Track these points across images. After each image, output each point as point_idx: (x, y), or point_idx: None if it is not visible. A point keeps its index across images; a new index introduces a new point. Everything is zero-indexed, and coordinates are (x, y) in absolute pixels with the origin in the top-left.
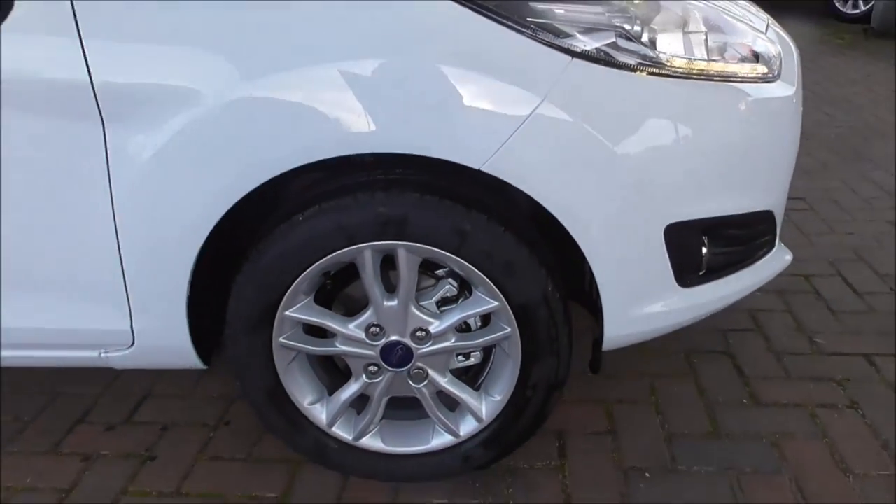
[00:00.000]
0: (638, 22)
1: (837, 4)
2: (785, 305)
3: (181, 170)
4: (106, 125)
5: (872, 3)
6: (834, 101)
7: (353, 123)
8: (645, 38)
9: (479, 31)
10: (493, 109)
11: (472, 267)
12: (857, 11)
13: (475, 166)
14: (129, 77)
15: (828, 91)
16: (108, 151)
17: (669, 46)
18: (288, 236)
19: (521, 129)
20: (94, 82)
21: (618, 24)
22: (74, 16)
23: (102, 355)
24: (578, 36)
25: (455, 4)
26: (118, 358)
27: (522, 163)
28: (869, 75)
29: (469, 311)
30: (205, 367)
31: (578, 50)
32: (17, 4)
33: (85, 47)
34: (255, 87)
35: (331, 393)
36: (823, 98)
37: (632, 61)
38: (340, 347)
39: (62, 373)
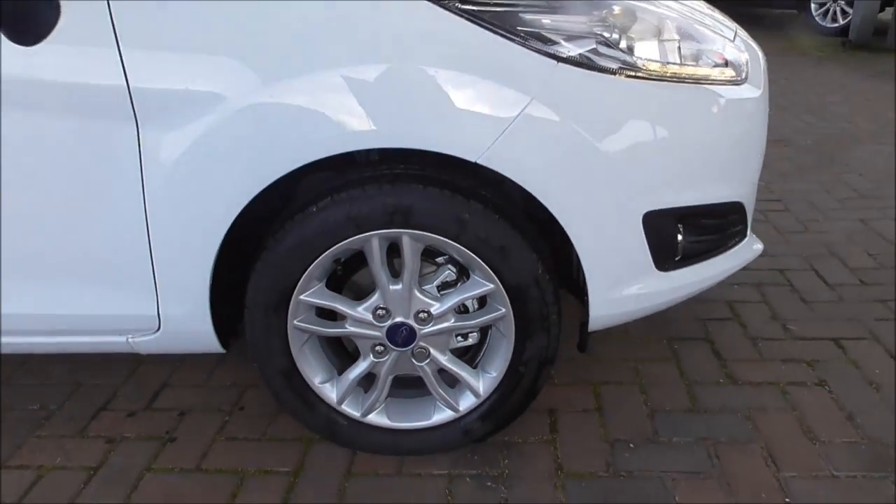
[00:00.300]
0: (616, 31)
1: (817, 18)
2: (761, 297)
3: (207, 166)
4: (140, 126)
5: (850, 17)
6: (812, 110)
7: (362, 122)
8: (623, 44)
9: (474, 39)
10: (487, 108)
11: (469, 252)
12: (836, 25)
13: (472, 159)
14: (161, 83)
15: (807, 100)
16: (142, 149)
17: (646, 52)
18: (303, 225)
19: (513, 126)
20: (130, 87)
21: (598, 33)
22: (114, 28)
23: (130, 340)
24: (563, 43)
25: (453, 16)
26: (144, 343)
27: (514, 156)
28: (845, 85)
29: (467, 293)
30: (223, 352)
31: (563, 55)
32: (62, 18)
33: (123, 56)
34: (274, 91)
35: (340, 373)
36: (802, 106)
37: (611, 65)
38: (350, 329)
39: (83, 364)
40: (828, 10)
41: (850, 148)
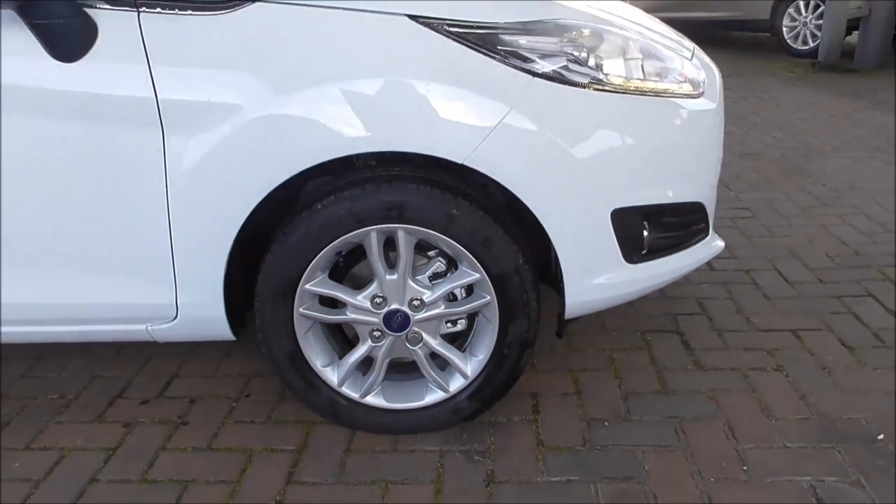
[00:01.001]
0: (585, 50)
1: (788, 41)
2: (727, 294)
3: (224, 168)
4: (165, 132)
5: (819, 40)
6: (781, 126)
7: (361, 129)
8: (592, 62)
9: (460, 57)
10: (471, 116)
11: (457, 244)
12: (806, 47)
13: (457, 161)
14: (186, 94)
15: (776, 117)
16: (166, 153)
17: (612, 69)
18: (310, 220)
19: (494, 133)
20: (158, 99)
21: (569, 52)
22: (144, 47)
23: (149, 329)
24: (538, 60)
25: (442, 37)
26: (162, 331)
27: (496, 159)
28: (813, 103)
29: (456, 282)
30: (234, 339)
31: (538, 71)
32: (99, 38)
33: (152, 72)
34: (283, 102)
35: (341, 357)
36: (772, 123)
37: (581, 80)
38: (350, 315)
39: (99, 357)
40: (798, 34)
41: (814, 160)
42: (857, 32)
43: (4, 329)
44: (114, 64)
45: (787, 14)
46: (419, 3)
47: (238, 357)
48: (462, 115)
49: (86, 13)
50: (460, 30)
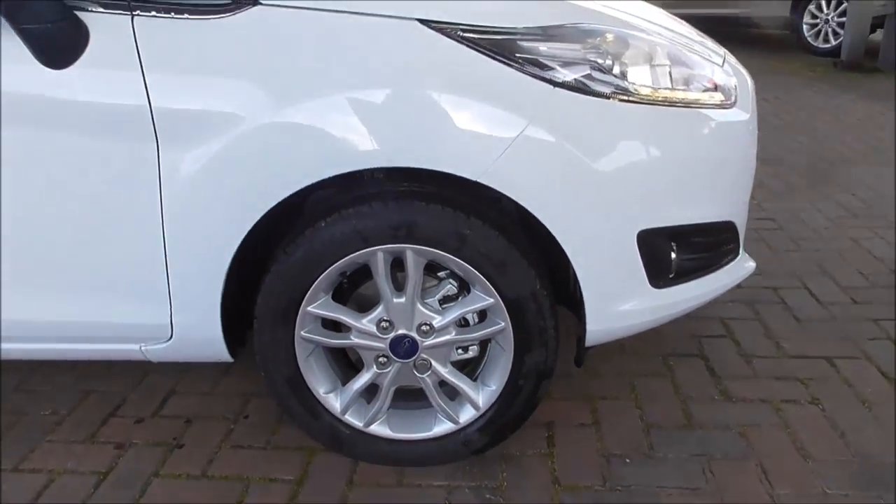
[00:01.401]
0: (609, 57)
1: (809, 39)
2: (754, 314)
3: (222, 183)
4: (160, 144)
5: (841, 38)
6: (804, 130)
7: (369, 142)
8: (616, 70)
9: (475, 65)
10: (487, 130)
11: (470, 267)
12: (828, 45)
13: (472, 178)
14: (181, 104)
15: (798, 120)
16: (161, 166)
17: (638, 77)
18: (312, 239)
19: (512, 147)
20: (152, 108)
21: (592, 59)
22: (138, 52)
23: (143, 348)
24: (559, 68)
25: (456, 43)
26: (156, 351)
27: (513, 175)
28: (837, 106)
29: (468, 307)
30: (231, 360)
31: (559, 80)
32: (91, 44)
33: (146, 79)
34: (286, 113)
35: (344, 383)
36: (794, 126)
37: (605, 90)
38: (355, 340)
39: (93, 372)
40: (819, 31)
41: (840, 167)
42: (881, 30)
43: None
44: (106, 70)
45: (807, 11)
46: (431, 6)
47: (237, 374)
48: (477, 128)
49: (76, 17)
50: (475, 35)
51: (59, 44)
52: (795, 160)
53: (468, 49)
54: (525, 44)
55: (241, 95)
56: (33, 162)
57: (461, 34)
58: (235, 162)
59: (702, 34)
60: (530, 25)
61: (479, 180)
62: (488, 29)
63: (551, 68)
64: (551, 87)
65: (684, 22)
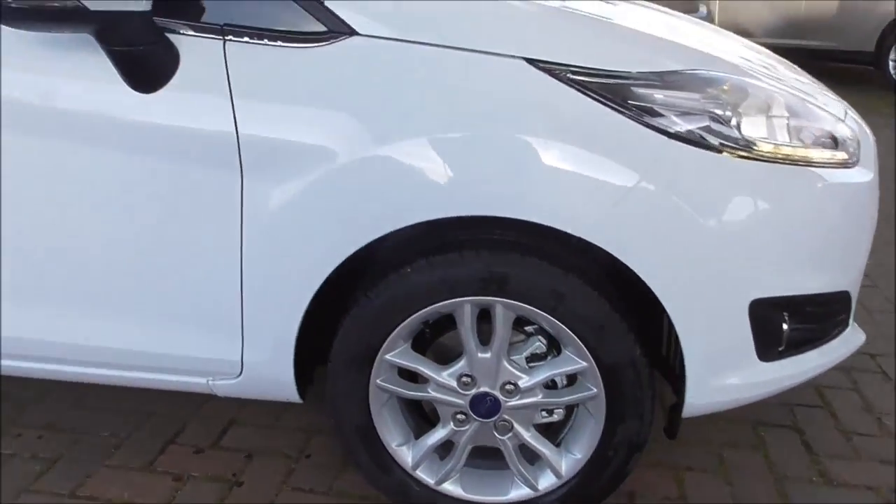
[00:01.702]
0: (728, 107)
1: (893, 74)
2: (851, 383)
3: (309, 219)
4: (244, 174)
5: None
6: (890, 175)
7: (469, 188)
8: (734, 122)
9: (584, 110)
10: (596, 181)
11: (564, 327)
12: None
13: (576, 233)
14: (270, 133)
15: (887, 164)
16: (244, 196)
17: (756, 131)
18: (397, 285)
19: (621, 202)
20: (239, 136)
21: (709, 109)
22: (228, 79)
23: (210, 382)
24: (675, 118)
25: (563, 86)
26: (224, 386)
27: (620, 233)
28: None
29: (558, 369)
30: (300, 401)
31: (674, 131)
32: (181, 66)
33: (235, 105)
34: (381, 150)
35: (417, 437)
36: (882, 172)
37: (722, 143)
38: (433, 394)
39: (155, 393)
40: None
41: None
42: None
43: (57, 368)
44: (193, 95)
45: (893, 48)
46: (539, 44)
47: (301, 408)
48: (585, 179)
49: (168, 40)
50: (586, 78)
51: (149, 67)
52: (888, 210)
53: (578, 93)
54: (639, 90)
55: (333, 129)
56: (110, 184)
57: (571, 76)
58: (324, 198)
59: (819, 84)
60: (645, 70)
61: (582, 236)
62: (600, 72)
63: (666, 118)
64: (666, 138)
65: (796, 67)
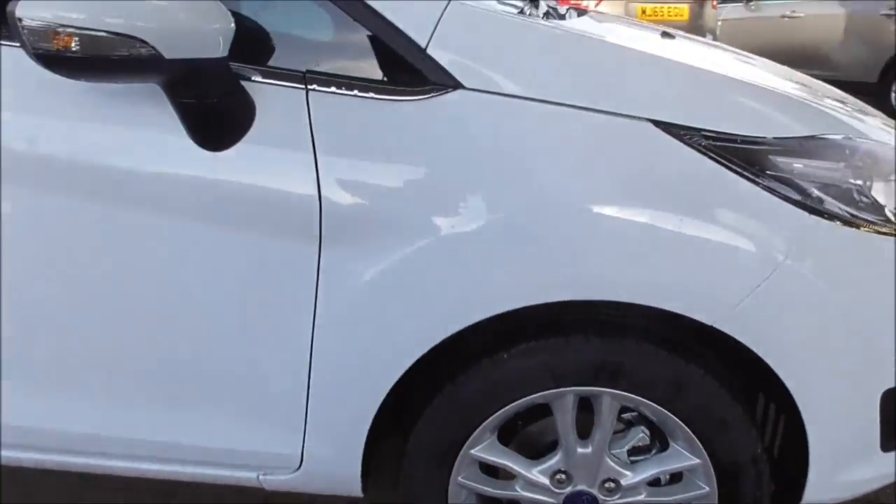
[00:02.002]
0: (866, 176)
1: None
2: None
3: (397, 300)
4: (323, 245)
5: None
6: None
7: (587, 268)
8: (881, 197)
9: (720, 183)
10: (733, 265)
11: (678, 420)
12: None
13: (708, 322)
14: (359, 198)
15: None
16: (321, 272)
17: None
18: (490, 373)
19: (761, 287)
20: (322, 200)
21: (853, 180)
22: (312, 134)
23: (261, 477)
24: (816, 191)
25: (694, 152)
26: (276, 481)
27: (759, 323)
28: None
29: (668, 465)
30: (361, 496)
31: (819, 207)
32: (256, 122)
33: (319, 166)
34: (488, 222)
35: None
36: None
37: (870, 219)
38: (521, 492)
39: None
40: None
41: None
42: None
43: (98, 462)
44: (270, 150)
45: None
46: (667, 105)
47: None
48: (719, 262)
49: (244, 91)
50: (720, 144)
51: (221, 121)
52: None
53: (711, 161)
54: (778, 159)
55: (431, 197)
56: (157, 253)
57: (703, 142)
58: (416, 277)
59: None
60: (782, 136)
61: (715, 325)
62: (734, 137)
63: (808, 191)
64: (807, 214)
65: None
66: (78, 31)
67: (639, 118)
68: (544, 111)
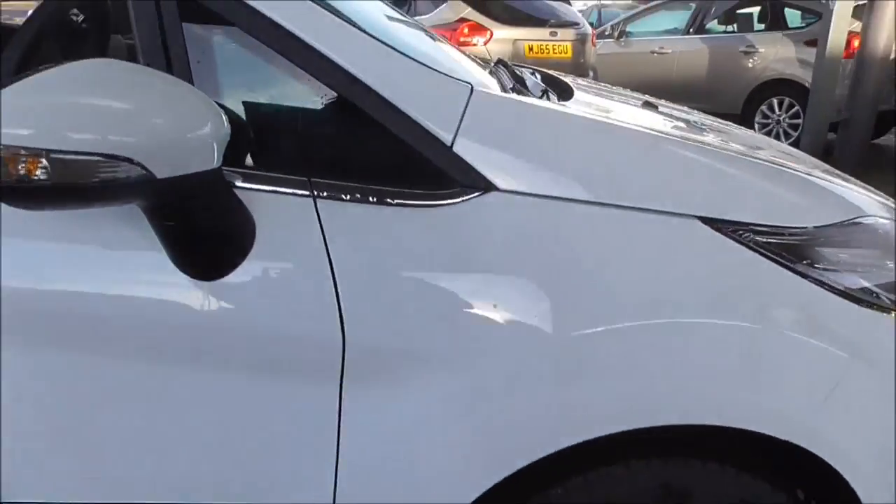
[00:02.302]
0: None
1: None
2: None
3: (430, 448)
4: (345, 381)
5: (792, 139)
6: None
7: (645, 392)
8: None
9: (776, 281)
10: (800, 370)
11: None
12: None
13: (783, 437)
14: (386, 326)
15: None
16: (343, 415)
17: None
18: None
19: (833, 394)
20: (345, 329)
21: (888, 264)
22: (328, 251)
23: None
24: (862, 281)
25: (748, 250)
26: None
27: (833, 432)
28: None
29: None
30: None
31: (875, 301)
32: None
33: (339, 289)
34: (544, 344)
35: None
36: None
37: None
38: None
39: None
40: (771, 131)
41: None
42: (833, 134)
43: None
44: (276, 269)
45: (759, 111)
46: (716, 200)
47: None
48: (788, 371)
49: (243, 207)
50: (771, 239)
51: (216, 247)
52: None
53: (764, 259)
54: (824, 249)
55: (470, 318)
56: (161, 396)
57: (756, 239)
58: (455, 419)
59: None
60: (822, 224)
61: (790, 440)
62: (779, 229)
63: (853, 281)
64: (861, 308)
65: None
66: (45, 155)
67: (684, 215)
68: (584, 212)
